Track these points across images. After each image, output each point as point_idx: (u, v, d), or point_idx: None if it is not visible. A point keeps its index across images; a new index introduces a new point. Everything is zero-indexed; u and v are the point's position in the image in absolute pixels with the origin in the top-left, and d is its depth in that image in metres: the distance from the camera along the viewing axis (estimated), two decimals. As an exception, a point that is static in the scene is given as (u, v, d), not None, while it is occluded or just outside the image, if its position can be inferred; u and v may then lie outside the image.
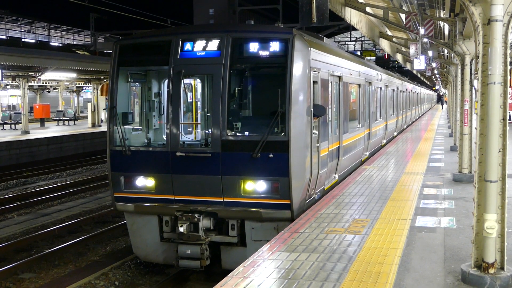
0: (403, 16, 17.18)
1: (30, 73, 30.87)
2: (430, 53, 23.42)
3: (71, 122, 40.08)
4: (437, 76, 49.29)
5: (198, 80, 10.69)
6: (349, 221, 8.69)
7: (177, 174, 9.48)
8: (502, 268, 5.89)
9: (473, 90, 14.01)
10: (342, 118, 12.52)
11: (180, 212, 9.42)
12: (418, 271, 6.39)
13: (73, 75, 35.16)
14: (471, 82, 13.76)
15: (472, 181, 6.45)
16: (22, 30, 64.43)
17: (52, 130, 33.31)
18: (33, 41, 59.92)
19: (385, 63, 50.69)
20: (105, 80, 37.44)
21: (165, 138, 9.80)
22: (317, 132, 9.91)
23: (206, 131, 9.89)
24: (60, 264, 11.29)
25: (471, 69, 13.69)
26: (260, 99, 10.32)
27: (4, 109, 55.54)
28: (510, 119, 17.86)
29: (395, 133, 26.59)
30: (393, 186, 11.94)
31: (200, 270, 9.49)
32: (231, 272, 6.28)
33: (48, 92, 51.99)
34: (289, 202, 9.04)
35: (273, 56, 9.29)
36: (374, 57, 50.02)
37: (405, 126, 32.45)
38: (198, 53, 9.47)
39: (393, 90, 24.77)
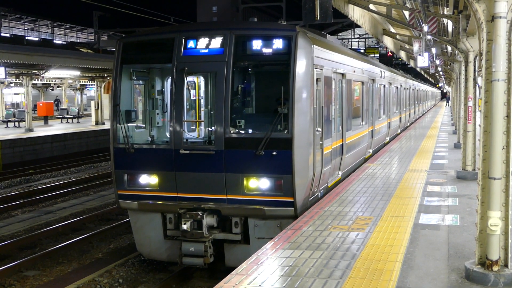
0: (406, 13, 17.14)
1: (33, 71, 30.87)
2: (433, 50, 23.36)
3: (75, 120, 40.12)
4: (441, 73, 49.16)
5: (201, 78, 10.68)
6: (352, 219, 8.68)
7: (181, 172, 9.47)
8: (506, 265, 5.88)
9: (477, 87, 13.98)
10: (345, 116, 12.51)
11: (183, 209, 9.42)
12: (421, 268, 6.38)
13: (77, 73, 35.19)
14: (474, 79, 13.72)
15: (476, 179, 6.44)
16: (26, 28, 64.44)
17: (56, 128, 33.33)
18: (36, 39, 59.95)
19: (388, 60, 50.60)
20: (108, 78, 37.44)
21: (169, 136, 9.81)
22: (320, 130, 9.90)
23: (210, 129, 9.88)
24: (64, 262, 11.31)
25: (474, 66, 13.65)
26: (263, 97, 10.32)
27: (7, 107, 55.57)
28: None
29: (399, 131, 26.56)
30: (396, 184, 11.93)
31: (204, 267, 9.50)
32: (234, 270, 6.28)
33: (52, 90, 52.03)
34: (292, 200, 9.03)
35: (276, 53, 9.28)
36: (378, 55, 49.92)
37: (408, 124, 32.43)
38: (201, 51, 9.46)
39: (397, 87, 24.74)
